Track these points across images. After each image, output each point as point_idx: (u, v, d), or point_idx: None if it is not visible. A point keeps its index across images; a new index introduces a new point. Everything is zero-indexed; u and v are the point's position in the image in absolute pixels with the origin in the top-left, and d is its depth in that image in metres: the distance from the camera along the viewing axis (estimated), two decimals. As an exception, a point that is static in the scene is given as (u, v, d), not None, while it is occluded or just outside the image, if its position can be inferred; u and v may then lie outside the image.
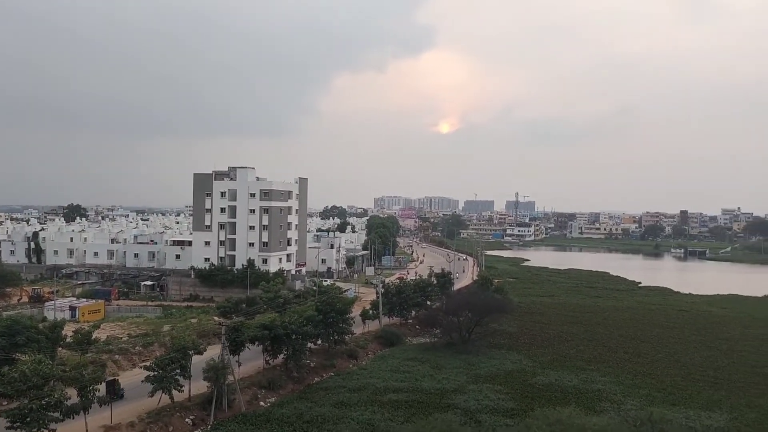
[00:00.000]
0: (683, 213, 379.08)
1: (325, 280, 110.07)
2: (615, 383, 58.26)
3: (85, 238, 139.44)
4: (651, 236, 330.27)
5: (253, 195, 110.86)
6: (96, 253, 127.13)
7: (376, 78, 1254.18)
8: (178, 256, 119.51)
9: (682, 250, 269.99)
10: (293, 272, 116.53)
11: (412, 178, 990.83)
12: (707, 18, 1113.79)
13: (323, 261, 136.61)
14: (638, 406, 49.76)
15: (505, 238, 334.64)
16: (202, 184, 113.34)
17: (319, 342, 64.81)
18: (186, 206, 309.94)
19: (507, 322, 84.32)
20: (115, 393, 43.17)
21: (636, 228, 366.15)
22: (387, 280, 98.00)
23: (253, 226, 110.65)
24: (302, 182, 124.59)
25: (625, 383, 58.41)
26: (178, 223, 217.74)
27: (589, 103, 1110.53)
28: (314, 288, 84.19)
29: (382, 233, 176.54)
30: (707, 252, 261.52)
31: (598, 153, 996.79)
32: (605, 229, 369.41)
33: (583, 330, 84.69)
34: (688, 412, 50.00)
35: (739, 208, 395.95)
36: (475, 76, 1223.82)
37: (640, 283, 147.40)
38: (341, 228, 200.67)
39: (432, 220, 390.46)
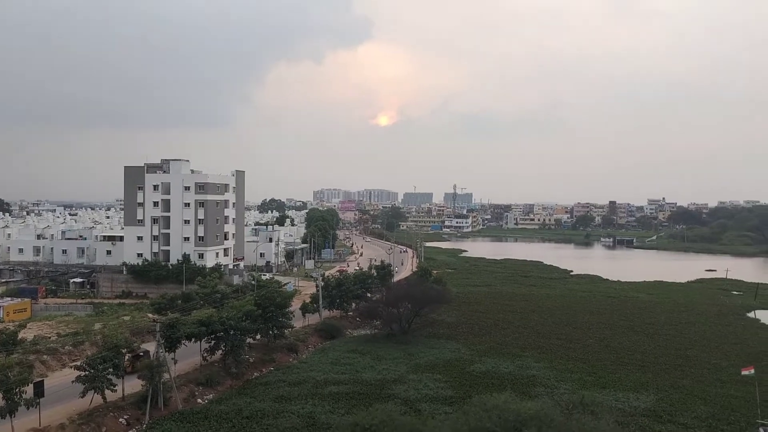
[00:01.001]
0: (612, 204, 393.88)
1: (264, 274, 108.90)
2: (549, 368, 60.20)
3: (9, 234, 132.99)
4: (582, 226, 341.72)
5: (187, 188, 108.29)
6: (21, 250, 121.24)
7: (314, 69, 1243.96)
8: (109, 252, 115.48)
9: (611, 239, 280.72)
10: (231, 267, 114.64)
11: (352, 171, 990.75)
12: (638, 17, 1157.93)
13: (262, 255, 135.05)
14: (571, 390, 51.63)
15: (444, 229, 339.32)
16: (134, 177, 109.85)
17: (258, 337, 64.09)
18: (117, 200, 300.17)
19: (446, 312, 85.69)
20: (42, 394, 41.41)
21: (568, 218, 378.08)
22: (327, 273, 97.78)
23: (188, 220, 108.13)
24: (239, 175, 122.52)
25: (558, 368, 60.44)
26: (108, 217, 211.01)
27: (522, 96, 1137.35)
28: (253, 282, 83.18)
29: (322, 226, 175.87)
30: (634, 240, 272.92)
31: (532, 146, 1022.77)
32: (539, 220, 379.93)
33: (519, 318, 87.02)
34: (618, 394, 52.23)
35: (664, 198, 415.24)
36: (412, 69, 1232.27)
37: (571, 271, 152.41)
38: (280, 221, 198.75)
39: (372, 212, 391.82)
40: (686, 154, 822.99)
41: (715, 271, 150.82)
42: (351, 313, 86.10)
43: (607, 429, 25.09)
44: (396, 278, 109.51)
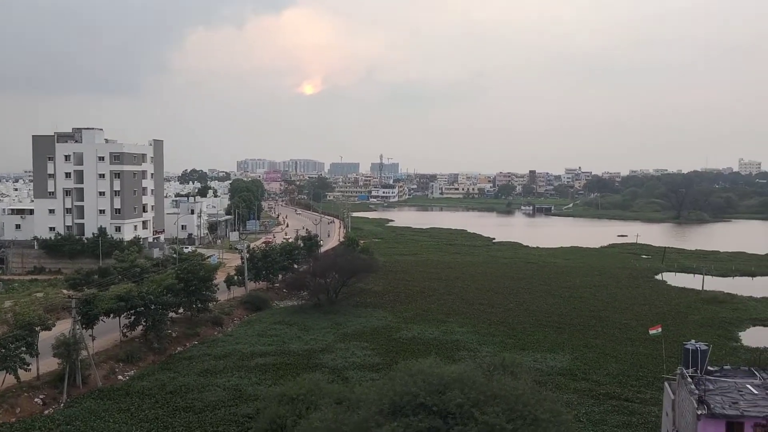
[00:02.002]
0: (532, 173, 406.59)
1: (186, 247, 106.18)
2: (472, 333, 62.14)
3: None
4: (504, 195, 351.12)
5: (102, 158, 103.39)
6: None
7: (235, 35, 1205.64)
8: (18, 226, 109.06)
9: (531, 207, 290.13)
10: (150, 240, 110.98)
11: (277, 141, 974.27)
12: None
13: (183, 227, 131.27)
14: (492, 352, 53.46)
15: (371, 199, 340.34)
16: (43, 147, 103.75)
17: (181, 311, 62.68)
18: (25, 171, 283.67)
19: (373, 281, 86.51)
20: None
21: (491, 187, 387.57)
22: (252, 245, 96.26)
23: (104, 192, 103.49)
24: (157, 144, 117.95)
25: (481, 332, 62.50)
26: (16, 189, 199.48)
27: (447, 67, 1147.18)
28: (174, 255, 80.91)
29: (246, 197, 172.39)
30: (552, 208, 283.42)
31: (456, 115, 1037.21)
32: (463, 189, 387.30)
33: (444, 285, 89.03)
34: (536, 355, 54.66)
35: (580, 167, 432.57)
36: (337, 37, 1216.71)
37: (494, 239, 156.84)
38: (202, 192, 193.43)
39: (298, 183, 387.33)
40: (600, 125, 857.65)
41: (626, 236, 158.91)
42: (277, 285, 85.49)
43: (525, 388, 26.21)
44: (323, 249, 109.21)
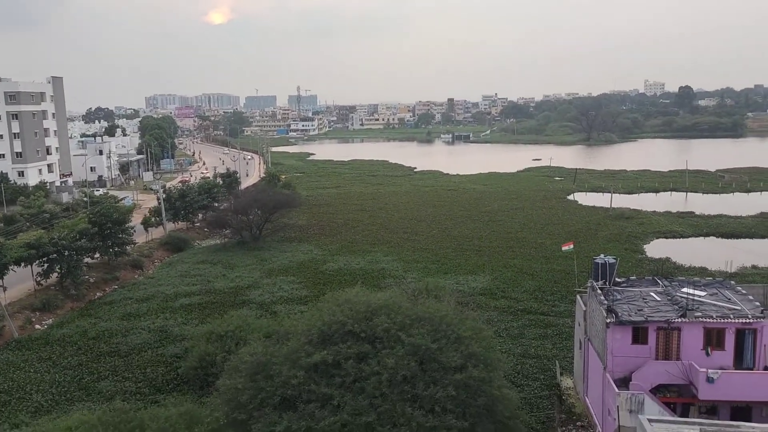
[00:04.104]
0: (450, 101, 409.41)
1: (97, 190, 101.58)
2: (397, 261, 63.51)
3: None
4: (424, 124, 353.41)
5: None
6: None
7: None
8: None
9: (450, 136, 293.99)
10: (58, 184, 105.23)
11: (188, 75, 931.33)
12: None
13: (93, 169, 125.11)
14: (417, 278, 55.05)
15: (290, 133, 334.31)
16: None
17: (98, 256, 60.57)
18: None
19: (297, 216, 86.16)
20: None
21: (411, 117, 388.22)
22: (168, 185, 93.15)
23: (1, 135, 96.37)
24: (57, 82, 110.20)
25: (406, 260, 63.98)
26: None
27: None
28: (85, 199, 77.27)
29: (158, 135, 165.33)
30: (471, 135, 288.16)
31: (374, 45, 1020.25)
32: (383, 120, 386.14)
33: (368, 216, 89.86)
34: (458, 277, 56.70)
35: (496, 94, 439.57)
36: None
37: (415, 168, 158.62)
38: (110, 132, 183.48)
39: (213, 118, 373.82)
40: (514, 51, 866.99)
41: (540, 160, 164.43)
42: (198, 224, 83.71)
43: (448, 309, 27.26)
44: (243, 185, 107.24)
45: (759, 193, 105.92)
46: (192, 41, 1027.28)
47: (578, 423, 31.67)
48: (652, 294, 30.74)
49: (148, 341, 42.49)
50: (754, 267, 58.45)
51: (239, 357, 25.78)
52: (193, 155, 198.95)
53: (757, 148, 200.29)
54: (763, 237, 72.92)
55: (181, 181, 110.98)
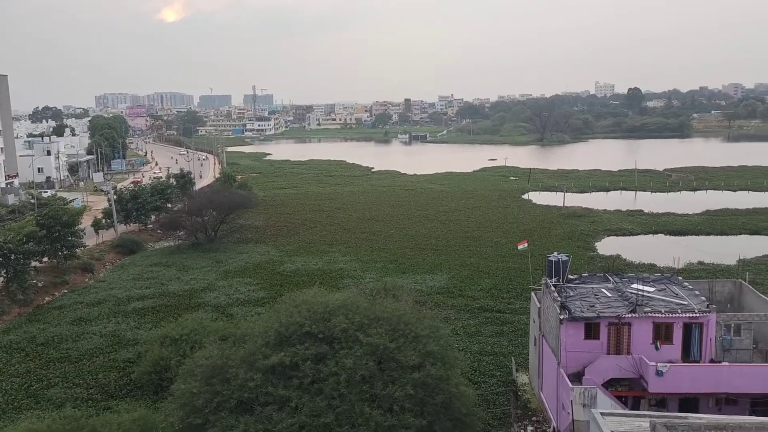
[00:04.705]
0: (407, 101, 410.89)
1: (45, 191, 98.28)
2: (355, 261, 63.47)
3: None
4: (381, 124, 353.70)
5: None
6: None
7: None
8: None
9: (407, 136, 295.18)
10: (3, 185, 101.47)
11: (139, 74, 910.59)
12: None
13: (40, 170, 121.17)
14: (375, 278, 55.17)
15: (246, 133, 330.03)
16: None
17: (46, 259, 58.72)
18: None
19: (253, 217, 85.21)
20: None
21: (368, 117, 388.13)
22: (120, 186, 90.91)
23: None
24: (0, 80, 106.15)
25: (364, 260, 63.99)
26: None
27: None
28: (32, 201, 74.76)
29: (109, 135, 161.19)
30: (428, 136, 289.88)
31: (331, 44, 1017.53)
32: (341, 120, 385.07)
33: (325, 216, 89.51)
34: (416, 276, 57.03)
35: (452, 94, 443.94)
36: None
37: (373, 168, 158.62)
38: (58, 131, 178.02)
39: (166, 118, 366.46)
40: (470, 53, 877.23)
41: (496, 159, 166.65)
42: (151, 226, 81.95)
43: (406, 308, 27.37)
44: (198, 186, 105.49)
45: (704, 191, 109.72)
46: (144, 39, 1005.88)
47: (533, 418, 32.25)
48: (603, 290, 31.52)
49: (99, 346, 41.41)
50: (700, 263, 60.56)
51: (194, 360, 25.33)
52: (146, 155, 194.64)
53: (702, 148, 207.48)
54: (708, 234, 75.59)
55: (132, 182, 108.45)
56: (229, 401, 22.67)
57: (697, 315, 27.56)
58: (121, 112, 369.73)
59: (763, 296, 32.36)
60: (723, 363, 27.40)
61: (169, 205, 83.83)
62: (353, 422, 21.83)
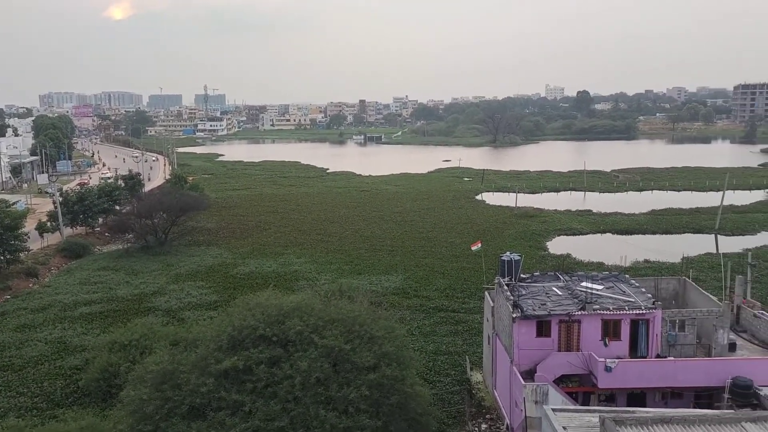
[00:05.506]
0: (362, 102, 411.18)
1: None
2: (310, 263, 63.06)
3: None
4: (335, 125, 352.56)
5: None
6: None
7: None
8: None
9: (362, 137, 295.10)
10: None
11: (86, 72, 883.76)
12: None
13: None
14: (330, 279, 54.94)
15: (198, 133, 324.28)
16: None
17: (-14, 264, 56.38)
18: None
19: (205, 219, 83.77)
20: None
21: (322, 118, 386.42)
22: (65, 188, 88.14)
23: None
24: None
25: (319, 261, 63.65)
26: None
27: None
28: (-29, 203, 71.64)
29: (54, 135, 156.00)
30: (383, 137, 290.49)
31: (284, 44, 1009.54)
32: (295, 121, 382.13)
33: (280, 218, 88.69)
34: (372, 278, 57.05)
35: (407, 96, 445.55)
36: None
37: (328, 169, 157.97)
38: (0, 132, 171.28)
39: (113, 117, 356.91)
40: (429, 54, 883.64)
41: (450, 161, 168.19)
42: (98, 229, 79.72)
43: (362, 309, 27.34)
44: (147, 188, 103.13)
45: (650, 191, 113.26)
46: (91, 37, 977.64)
47: (488, 416, 32.65)
48: (554, 289, 32.16)
49: (45, 353, 40.01)
50: (646, 261, 62.52)
51: (144, 366, 24.73)
52: (93, 156, 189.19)
53: (647, 149, 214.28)
54: (654, 233, 78.05)
55: (79, 184, 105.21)
56: (181, 407, 22.21)
57: (644, 312, 28.38)
58: (67, 112, 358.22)
59: (705, 293, 33.64)
60: (669, 358, 28.33)
61: (117, 208, 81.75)
62: (308, 425, 21.67)
